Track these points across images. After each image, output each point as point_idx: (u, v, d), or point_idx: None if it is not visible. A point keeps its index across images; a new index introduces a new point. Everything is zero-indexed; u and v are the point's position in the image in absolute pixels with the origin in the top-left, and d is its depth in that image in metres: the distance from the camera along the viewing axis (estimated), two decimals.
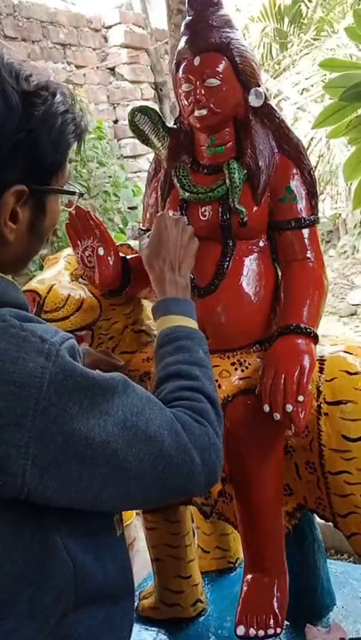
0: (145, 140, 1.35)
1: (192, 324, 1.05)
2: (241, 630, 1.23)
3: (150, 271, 1.13)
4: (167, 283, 1.09)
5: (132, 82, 4.89)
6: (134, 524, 2.31)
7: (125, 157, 4.87)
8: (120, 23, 4.82)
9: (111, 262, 1.29)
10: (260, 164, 1.25)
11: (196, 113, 1.23)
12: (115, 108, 4.94)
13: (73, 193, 0.96)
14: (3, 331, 0.76)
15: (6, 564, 0.78)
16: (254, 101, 1.25)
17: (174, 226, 1.15)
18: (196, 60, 1.22)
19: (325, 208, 7.53)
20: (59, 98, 0.85)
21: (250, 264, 1.28)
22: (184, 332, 1.02)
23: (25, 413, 0.73)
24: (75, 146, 0.90)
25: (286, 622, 1.29)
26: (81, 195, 1.00)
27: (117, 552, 0.93)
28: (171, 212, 1.21)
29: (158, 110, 1.54)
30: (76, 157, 4.21)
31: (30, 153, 0.82)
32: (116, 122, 4.97)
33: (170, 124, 1.35)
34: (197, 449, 0.87)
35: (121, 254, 1.34)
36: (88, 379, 0.79)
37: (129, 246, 1.46)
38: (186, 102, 1.25)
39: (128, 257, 1.36)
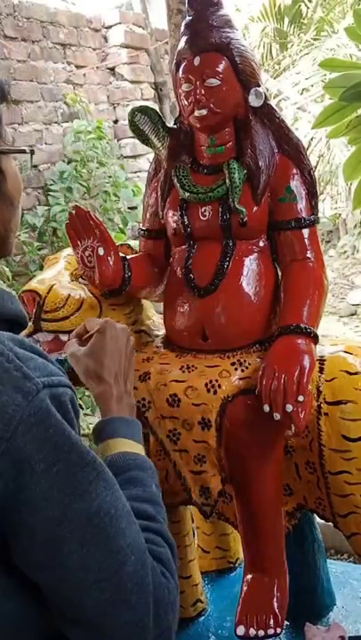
0: (145, 140, 1.35)
1: (141, 450, 0.92)
2: (241, 630, 1.23)
3: (94, 384, 0.99)
4: (114, 399, 0.96)
5: (132, 82, 4.89)
6: None
7: (125, 157, 4.87)
8: (120, 23, 4.81)
9: (111, 262, 1.29)
10: (260, 163, 1.25)
11: (196, 113, 1.23)
12: (115, 107, 4.94)
13: (23, 151, 0.90)
14: None
15: None
16: (254, 101, 1.25)
17: (123, 334, 1.04)
18: (196, 60, 1.22)
19: (325, 208, 7.53)
20: None
21: (250, 264, 1.28)
22: (135, 461, 0.89)
23: None
24: (3, 103, 0.84)
25: (286, 622, 1.29)
26: (31, 151, 0.93)
27: None
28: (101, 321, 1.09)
29: (158, 110, 1.54)
30: (75, 157, 4.21)
31: None
32: (116, 122, 4.96)
33: (170, 124, 1.36)
34: (154, 599, 0.72)
35: (121, 254, 1.33)
36: (64, 436, 0.68)
37: (129, 246, 1.46)
38: (186, 102, 1.25)
39: (128, 257, 1.36)
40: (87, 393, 2.55)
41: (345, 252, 7.45)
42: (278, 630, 1.22)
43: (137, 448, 0.91)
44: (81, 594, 0.68)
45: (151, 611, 0.71)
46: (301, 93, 6.13)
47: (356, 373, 1.25)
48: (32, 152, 0.94)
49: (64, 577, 0.68)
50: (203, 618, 1.55)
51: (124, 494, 0.76)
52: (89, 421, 3.04)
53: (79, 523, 0.68)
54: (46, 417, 0.68)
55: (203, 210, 1.28)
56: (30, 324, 1.29)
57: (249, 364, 1.26)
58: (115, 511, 0.70)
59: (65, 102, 4.43)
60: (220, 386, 1.23)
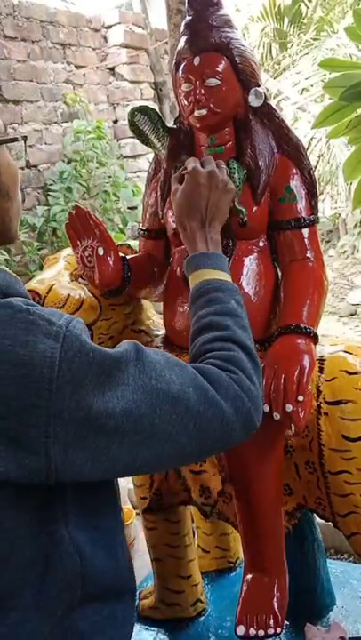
0: (145, 140, 1.35)
1: (223, 276, 1.05)
2: (241, 630, 1.23)
3: (181, 229, 1.13)
4: (198, 239, 1.10)
5: (131, 82, 4.89)
6: (134, 524, 2.31)
7: (125, 157, 4.87)
8: (120, 23, 4.81)
9: (111, 262, 1.29)
10: (259, 163, 1.25)
11: (196, 113, 1.23)
12: (114, 108, 4.94)
13: (15, 139, 0.96)
14: (10, 316, 0.77)
15: (14, 557, 0.79)
16: (254, 101, 1.25)
17: (207, 181, 1.13)
18: (196, 60, 1.22)
19: (325, 208, 7.52)
20: None
21: (250, 264, 1.28)
22: (215, 284, 1.02)
23: (39, 394, 0.74)
24: None
25: (286, 622, 1.29)
26: (24, 138, 1.00)
27: (123, 549, 0.94)
28: (198, 164, 1.16)
29: (158, 110, 1.54)
30: (75, 157, 4.21)
31: None
32: (115, 122, 4.97)
33: (170, 124, 1.35)
34: (228, 399, 0.86)
35: (121, 254, 1.33)
36: (100, 353, 0.79)
37: (129, 246, 1.46)
38: (186, 102, 1.25)
39: (128, 257, 1.36)
40: None
41: (345, 251, 7.44)
42: (278, 630, 1.22)
43: (219, 275, 1.05)
44: (177, 441, 0.83)
45: (227, 410, 0.85)
46: (301, 93, 6.13)
47: (356, 373, 1.25)
48: (25, 139, 1.00)
49: (160, 440, 0.82)
50: (203, 618, 1.55)
51: (204, 312, 0.98)
52: None
53: (139, 398, 0.80)
54: (81, 346, 0.78)
55: None
56: None
57: None
58: (154, 372, 0.83)
59: (65, 102, 4.44)
60: None
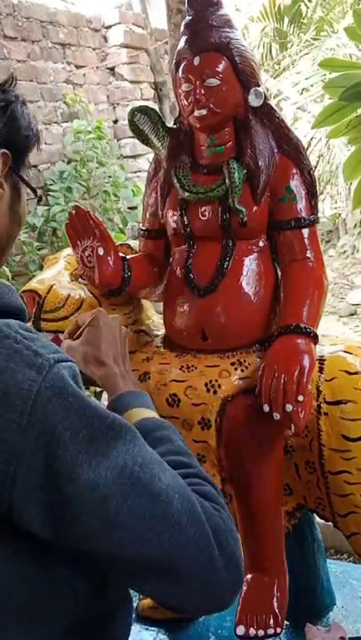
0: (145, 140, 1.35)
1: (156, 415, 0.95)
2: (241, 630, 1.23)
3: (95, 369, 1.01)
4: (119, 377, 1.00)
5: (131, 82, 4.89)
6: None
7: (125, 157, 4.87)
8: (120, 23, 4.81)
9: (111, 262, 1.29)
10: (259, 163, 1.25)
11: (196, 113, 1.23)
12: (114, 107, 4.94)
13: (35, 191, 0.98)
14: None
15: (6, 598, 0.72)
16: (254, 101, 1.25)
17: (115, 322, 1.07)
18: (196, 60, 1.22)
19: (325, 208, 7.52)
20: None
21: (250, 264, 1.28)
22: (154, 423, 0.91)
23: (8, 427, 0.67)
24: (34, 146, 0.93)
25: (286, 622, 1.29)
26: (40, 198, 1.03)
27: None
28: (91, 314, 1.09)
29: (158, 110, 1.54)
30: (75, 157, 4.21)
31: (9, 121, 0.87)
32: (115, 122, 4.96)
33: (170, 124, 1.36)
34: (211, 528, 0.73)
35: (121, 254, 1.33)
36: (83, 404, 0.71)
37: (129, 246, 1.46)
38: (186, 102, 1.25)
39: (128, 257, 1.36)
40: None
41: (345, 251, 7.44)
42: (278, 630, 1.23)
43: (152, 413, 0.94)
44: (144, 545, 0.70)
45: (212, 539, 0.73)
46: (301, 93, 6.13)
47: (355, 373, 1.25)
48: (40, 199, 1.03)
49: (121, 537, 0.70)
50: (203, 618, 1.55)
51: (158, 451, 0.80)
52: None
53: (114, 478, 0.69)
54: (63, 387, 0.70)
55: (202, 210, 1.28)
56: (30, 324, 1.29)
57: (249, 364, 1.26)
58: (142, 460, 0.73)
59: (65, 102, 4.43)
60: (219, 386, 1.23)
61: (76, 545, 0.71)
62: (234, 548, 0.75)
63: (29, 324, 1.28)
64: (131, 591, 0.93)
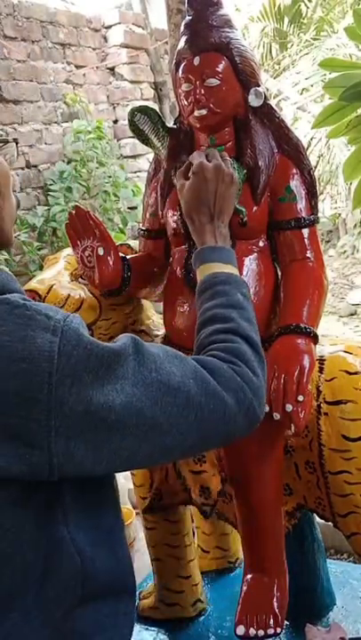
0: (145, 140, 1.35)
1: (231, 269, 1.05)
2: (241, 630, 1.23)
3: (189, 223, 1.14)
4: (206, 233, 1.10)
5: (131, 82, 4.88)
6: (134, 524, 2.31)
7: (125, 157, 4.86)
8: (120, 23, 4.81)
9: (111, 262, 1.29)
10: (259, 163, 1.25)
11: (196, 113, 1.23)
12: (114, 107, 4.93)
13: (6, 141, 0.98)
14: (8, 312, 0.78)
15: (14, 558, 0.79)
16: (254, 101, 1.25)
17: (214, 175, 1.13)
18: (196, 60, 1.22)
19: (325, 208, 7.52)
20: None
21: (250, 264, 1.28)
22: (221, 277, 1.03)
23: (40, 388, 0.74)
24: None
25: (286, 622, 1.29)
26: (15, 140, 1.01)
27: (123, 548, 0.94)
28: (204, 158, 1.16)
29: (158, 110, 1.53)
30: (75, 157, 4.21)
31: None
32: (115, 122, 4.96)
33: (170, 124, 1.35)
34: (230, 391, 0.86)
35: (121, 254, 1.33)
36: (98, 347, 0.79)
37: (129, 246, 1.46)
38: (185, 102, 1.25)
39: (128, 257, 1.35)
40: None
41: (345, 251, 7.44)
42: (278, 630, 1.22)
43: (226, 268, 1.05)
44: (178, 432, 0.82)
45: (229, 401, 0.85)
46: (301, 93, 6.13)
47: (355, 373, 1.25)
48: (16, 141, 1.01)
49: (162, 432, 0.82)
50: (203, 618, 1.55)
51: (210, 305, 0.98)
52: None
53: (138, 391, 0.80)
54: (79, 339, 0.78)
55: None
56: None
57: None
58: (154, 365, 0.83)
59: (65, 102, 4.43)
60: None
61: (118, 465, 0.82)
62: (252, 398, 0.88)
63: None
64: (131, 590, 0.95)
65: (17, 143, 1.01)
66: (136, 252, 1.45)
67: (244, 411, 0.88)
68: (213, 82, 1.21)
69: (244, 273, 1.27)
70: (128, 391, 0.79)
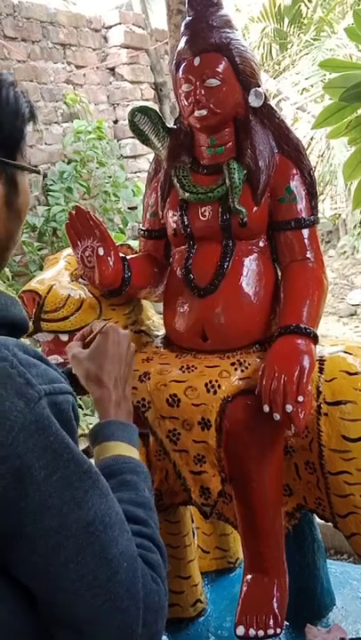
0: (145, 141, 1.35)
1: (136, 454, 0.92)
2: (241, 630, 1.23)
3: (94, 388, 1.00)
4: (113, 403, 0.97)
5: (132, 82, 4.89)
6: None
7: (125, 157, 4.86)
8: (120, 23, 4.81)
9: (111, 262, 1.29)
10: (259, 164, 1.25)
11: (196, 113, 1.23)
12: (115, 108, 4.94)
13: (38, 172, 0.94)
14: None
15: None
16: (254, 101, 1.25)
17: (124, 340, 1.04)
18: (196, 61, 1.22)
19: (325, 208, 7.52)
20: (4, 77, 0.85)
21: (250, 264, 1.28)
22: (129, 464, 0.89)
23: None
24: (30, 123, 0.86)
25: (286, 622, 1.29)
26: (44, 175, 0.98)
27: None
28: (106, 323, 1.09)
29: (158, 111, 1.54)
30: (75, 157, 4.21)
31: None
32: (116, 122, 4.96)
33: (170, 124, 1.36)
34: (144, 605, 0.73)
35: (121, 254, 1.33)
36: (63, 445, 0.70)
37: (129, 246, 1.46)
38: (186, 102, 1.25)
39: (128, 257, 1.36)
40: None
41: (345, 252, 7.44)
42: (278, 630, 1.22)
43: (132, 452, 0.91)
44: (75, 601, 0.69)
45: (140, 616, 0.72)
46: (301, 93, 6.13)
47: (355, 374, 1.25)
48: (44, 175, 0.97)
49: (59, 585, 0.69)
50: (203, 618, 1.55)
51: (117, 497, 0.77)
52: (88, 422, 3.04)
53: (76, 531, 0.69)
54: (47, 425, 0.69)
55: (203, 210, 1.28)
56: (30, 324, 1.29)
57: (249, 365, 1.26)
58: (109, 519, 0.72)
59: (65, 102, 4.43)
60: (219, 386, 1.23)
61: (24, 579, 0.70)
62: (160, 628, 0.77)
63: (30, 325, 1.29)
64: None
65: (45, 177, 0.98)
66: (136, 252, 1.45)
67: (149, 636, 0.75)
68: (214, 82, 1.21)
69: (244, 273, 1.27)
70: (66, 521, 0.69)
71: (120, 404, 0.98)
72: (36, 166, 0.95)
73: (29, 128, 0.87)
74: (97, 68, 4.79)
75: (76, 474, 0.70)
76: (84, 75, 4.70)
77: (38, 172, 0.93)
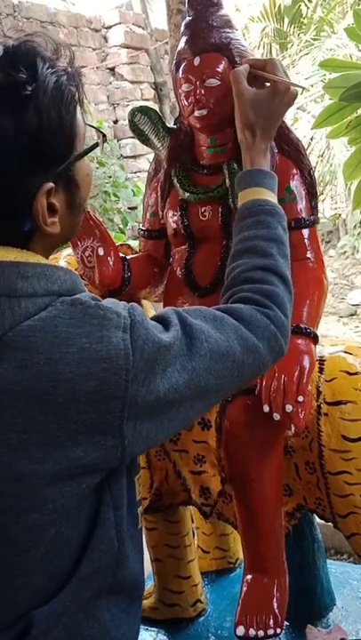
0: (145, 140, 1.35)
1: (275, 199, 1.04)
2: (241, 630, 1.23)
3: (246, 134, 1.09)
4: (260, 153, 1.07)
5: (132, 82, 4.89)
6: None
7: (125, 157, 4.87)
8: (120, 23, 4.82)
9: (111, 262, 1.29)
10: None
11: (196, 113, 1.23)
12: (115, 108, 4.94)
13: (95, 146, 0.95)
14: (83, 313, 0.79)
15: (49, 530, 0.80)
16: None
17: (288, 98, 1.09)
18: (196, 61, 1.22)
19: (325, 208, 7.53)
20: (43, 70, 0.79)
21: None
22: (266, 207, 1.02)
23: (118, 385, 0.77)
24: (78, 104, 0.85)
25: (286, 622, 1.29)
26: (103, 136, 0.98)
27: (142, 549, 0.95)
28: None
29: (158, 110, 1.53)
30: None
31: (40, 153, 0.79)
32: (115, 122, 4.97)
33: (170, 124, 1.35)
34: (264, 340, 0.90)
35: (121, 254, 1.33)
36: (159, 334, 0.83)
37: (129, 246, 1.46)
38: (186, 102, 1.25)
39: (128, 257, 1.35)
40: None
41: (345, 252, 7.45)
42: (278, 630, 1.22)
43: (270, 196, 1.03)
44: (221, 386, 0.88)
45: (263, 352, 0.90)
46: (301, 93, 6.12)
47: (355, 374, 1.25)
48: (104, 137, 0.99)
49: (212, 392, 0.88)
50: (203, 618, 1.55)
51: (251, 234, 0.98)
52: None
53: (198, 365, 0.84)
54: (147, 333, 0.81)
55: (203, 210, 1.28)
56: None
57: None
58: (205, 336, 0.86)
59: None
60: None
61: (175, 429, 0.88)
62: (282, 344, 0.93)
63: None
64: (142, 591, 0.97)
65: (105, 140, 1.01)
66: (136, 252, 1.45)
67: (275, 356, 0.93)
68: (214, 82, 1.21)
69: None
70: (187, 367, 0.83)
71: (266, 155, 1.08)
72: (104, 138, 0.99)
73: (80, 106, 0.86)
74: (97, 67, 4.80)
75: (172, 344, 0.83)
76: (84, 75, 4.70)
77: (97, 145, 0.96)
